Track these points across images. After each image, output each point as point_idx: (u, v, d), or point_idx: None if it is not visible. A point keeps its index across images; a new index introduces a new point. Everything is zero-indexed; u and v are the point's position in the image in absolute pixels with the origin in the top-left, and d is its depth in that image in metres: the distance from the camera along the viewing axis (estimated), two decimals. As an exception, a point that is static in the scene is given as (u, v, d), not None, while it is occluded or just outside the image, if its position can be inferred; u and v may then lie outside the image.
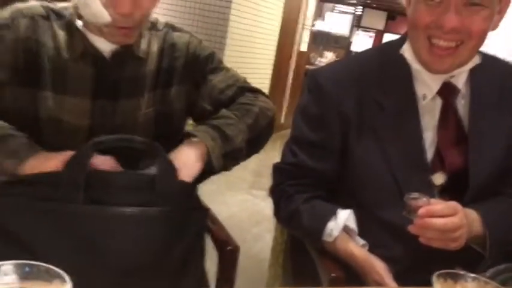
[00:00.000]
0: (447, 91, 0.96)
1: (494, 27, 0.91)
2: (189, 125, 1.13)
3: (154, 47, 1.01)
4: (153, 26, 1.03)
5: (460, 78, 0.97)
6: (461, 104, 0.98)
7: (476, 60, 0.96)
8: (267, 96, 1.10)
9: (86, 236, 0.74)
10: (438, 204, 0.83)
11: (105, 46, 0.94)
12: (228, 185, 3.03)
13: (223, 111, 1.00)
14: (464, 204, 0.90)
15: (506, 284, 0.77)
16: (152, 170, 0.85)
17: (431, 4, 0.87)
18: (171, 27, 1.06)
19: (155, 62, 1.01)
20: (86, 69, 0.94)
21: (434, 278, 0.63)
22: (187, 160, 0.89)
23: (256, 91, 1.09)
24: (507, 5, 0.92)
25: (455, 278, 0.64)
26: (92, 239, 0.74)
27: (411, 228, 0.84)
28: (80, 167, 0.78)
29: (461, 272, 0.65)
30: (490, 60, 1.02)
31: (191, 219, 0.86)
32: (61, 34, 0.94)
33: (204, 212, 0.92)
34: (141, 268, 0.77)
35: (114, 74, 0.96)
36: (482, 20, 0.86)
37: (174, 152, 0.91)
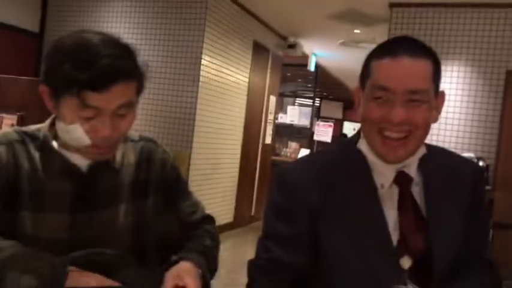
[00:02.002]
0: (402, 179, 1.04)
1: (435, 121, 1.04)
2: None
3: (131, 159, 1.07)
4: (127, 138, 1.09)
5: (412, 167, 1.06)
6: (416, 191, 1.05)
7: (423, 150, 1.07)
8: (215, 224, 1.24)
9: None
10: None
11: (81, 162, 0.99)
12: (202, 285, 2.93)
13: (207, 242, 1.11)
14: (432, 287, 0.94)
15: None
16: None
17: (379, 102, 0.98)
18: (147, 140, 1.13)
19: (132, 173, 1.06)
20: (64, 185, 0.97)
21: None
22: (196, 276, 0.94)
23: (211, 218, 1.22)
24: (442, 102, 1.05)
25: None
26: None
27: None
28: (56, 285, 0.78)
29: None
30: (435, 150, 1.13)
31: None
32: (36, 155, 0.97)
33: None
34: None
35: (91, 187, 0.99)
36: (424, 112, 0.98)
37: (187, 275, 0.94)
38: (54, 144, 0.99)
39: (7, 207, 0.93)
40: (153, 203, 1.09)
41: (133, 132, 1.13)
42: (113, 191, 1.03)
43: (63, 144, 0.98)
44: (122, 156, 1.06)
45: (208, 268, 1.03)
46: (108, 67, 0.88)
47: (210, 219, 1.20)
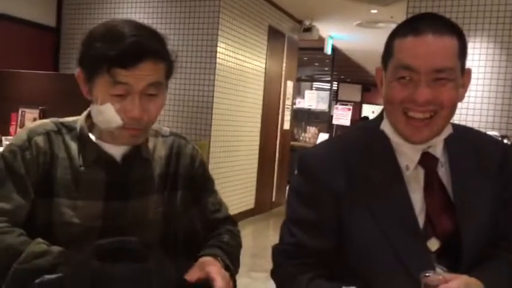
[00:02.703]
0: (427, 160, 1.02)
1: (461, 99, 1.01)
2: None
3: (161, 152, 1.10)
4: (158, 133, 1.12)
5: (437, 148, 1.04)
6: (442, 172, 1.03)
7: (449, 129, 1.04)
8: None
9: None
10: (453, 281, 0.86)
11: (116, 151, 1.02)
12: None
13: (225, 238, 1.11)
14: (462, 269, 0.93)
15: None
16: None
17: (403, 82, 0.96)
18: (177, 136, 1.16)
19: (163, 166, 1.09)
20: (99, 174, 1.00)
21: None
22: (225, 274, 0.96)
23: (234, 220, 1.22)
24: (468, 80, 1.02)
25: None
26: None
27: None
28: (83, 269, 0.80)
29: None
30: (462, 130, 1.10)
31: None
32: (73, 145, 1.02)
33: None
34: None
35: (124, 175, 1.02)
36: (450, 91, 0.95)
37: (211, 264, 0.97)
38: (91, 135, 1.02)
39: (43, 195, 0.97)
40: (182, 196, 1.11)
41: (165, 128, 1.16)
42: (145, 181, 1.05)
43: (99, 135, 1.02)
44: (153, 149, 1.09)
45: (234, 267, 1.05)
46: (136, 44, 0.93)
47: (232, 220, 1.21)
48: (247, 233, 4.69)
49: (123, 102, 0.94)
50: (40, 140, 0.99)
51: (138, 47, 0.93)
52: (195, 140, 4.36)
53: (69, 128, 1.04)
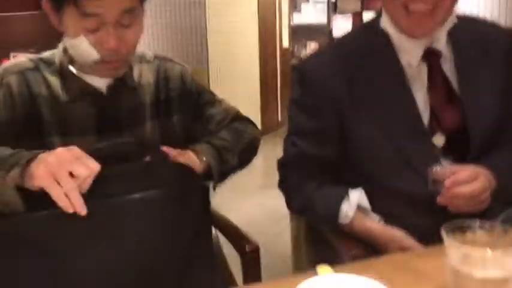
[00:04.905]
0: (430, 55, 0.98)
1: None
2: None
3: (149, 79, 1.05)
4: (142, 58, 1.07)
5: (441, 41, 0.99)
6: (446, 66, 0.99)
7: (453, 20, 0.98)
8: (255, 126, 1.18)
9: (104, 227, 0.78)
10: (462, 172, 0.85)
11: (99, 83, 0.98)
12: (240, 191, 3.07)
13: (222, 133, 1.07)
14: (469, 162, 0.92)
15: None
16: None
17: None
18: (163, 59, 1.10)
19: (152, 93, 1.05)
20: (86, 107, 0.97)
21: (443, 233, 0.64)
22: (192, 162, 0.95)
23: (246, 120, 1.17)
24: None
25: (463, 228, 0.67)
26: (109, 229, 0.79)
27: (440, 200, 0.86)
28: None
29: (468, 221, 0.67)
30: (466, 20, 1.04)
31: (194, 196, 0.89)
32: (54, 80, 0.97)
33: (206, 188, 0.95)
34: (155, 248, 0.81)
35: (113, 107, 0.99)
36: None
37: (179, 152, 0.97)
38: (71, 67, 0.97)
39: (30, 136, 0.94)
40: (179, 120, 1.08)
41: (148, 52, 1.10)
42: (136, 109, 1.02)
43: (79, 67, 0.97)
44: (140, 75, 1.04)
45: (220, 157, 1.01)
46: None
47: (239, 117, 1.15)
48: (257, 154, 4.74)
49: (97, 33, 0.88)
50: (13, 80, 0.94)
51: None
52: (193, 67, 4.27)
53: (49, 63, 0.98)
